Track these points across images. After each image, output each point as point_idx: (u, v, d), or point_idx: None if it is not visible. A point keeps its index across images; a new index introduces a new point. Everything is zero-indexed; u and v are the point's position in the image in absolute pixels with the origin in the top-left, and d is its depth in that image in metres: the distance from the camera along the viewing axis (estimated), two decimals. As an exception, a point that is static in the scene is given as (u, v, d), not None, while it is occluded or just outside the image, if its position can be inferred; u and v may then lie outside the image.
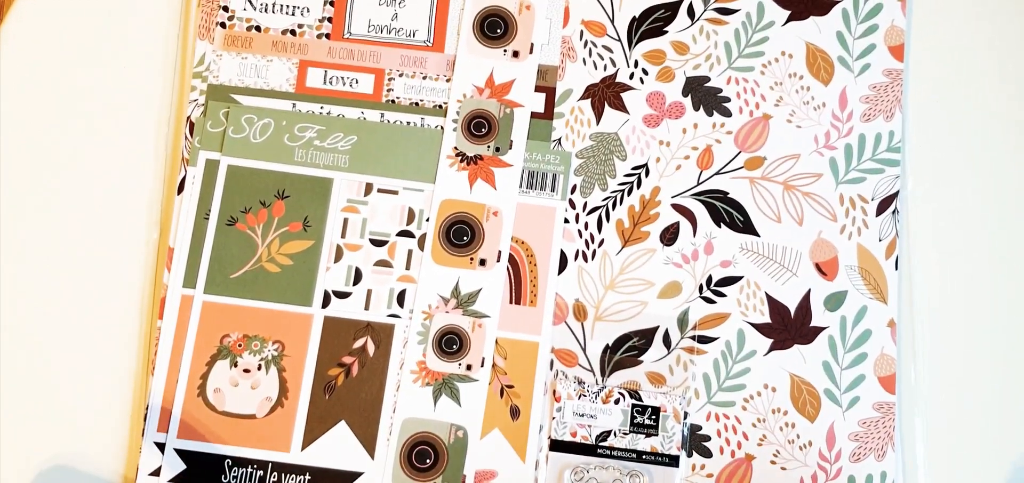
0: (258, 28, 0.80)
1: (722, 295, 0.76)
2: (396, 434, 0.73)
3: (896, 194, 0.77)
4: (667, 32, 0.80)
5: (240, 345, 0.75)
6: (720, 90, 0.79)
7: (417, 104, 0.79)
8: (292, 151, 0.77)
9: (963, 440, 0.75)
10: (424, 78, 0.79)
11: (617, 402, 0.74)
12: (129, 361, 0.75)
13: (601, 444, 0.74)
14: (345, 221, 0.77)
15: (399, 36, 0.80)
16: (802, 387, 0.75)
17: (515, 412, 0.74)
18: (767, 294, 0.76)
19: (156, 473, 0.73)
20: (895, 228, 0.77)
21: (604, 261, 0.76)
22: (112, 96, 0.79)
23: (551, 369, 0.75)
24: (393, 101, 0.79)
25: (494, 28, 0.79)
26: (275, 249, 0.76)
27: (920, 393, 0.75)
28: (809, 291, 0.76)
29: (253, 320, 0.75)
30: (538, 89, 0.79)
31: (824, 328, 0.75)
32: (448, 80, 0.79)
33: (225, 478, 0.73)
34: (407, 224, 0.77)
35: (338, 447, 0.73)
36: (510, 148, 0.78)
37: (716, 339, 0.75)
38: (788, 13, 0.80)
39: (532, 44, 0.79)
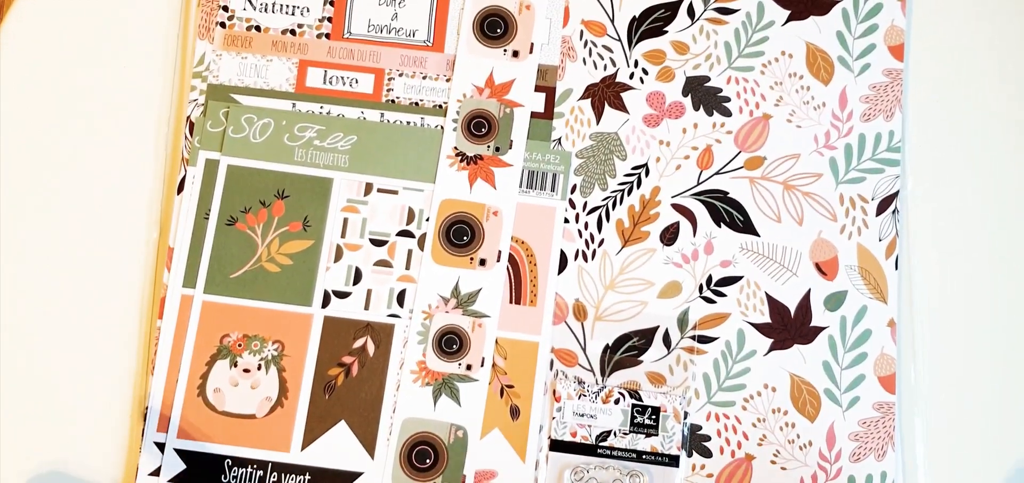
0: (258, 28, 0.80)
1: (722, 295, 0.76)
2: (396, 434, 0.73)
3: (896, 194, 0.77)
4: (667, 32, 0.80)
5: (240, 345, 0.75)
6: (720, 90, 0.79)
7: (417, 104, 0.79)
8: (292, 151, 0.77)
9: (963, 440, 0.75)
10: (424, 78, 0.79)
11: (617, 402, 0.74)
12: (129, 361, 0.75)
13: (601, 444, 0.74)
14: (345, 221, 0.77)
15: (399, 36, 0.80)
16: (802, 387, 0.75)
17: (515, 412, 0.74)
18: (767, 294, 0.76)
19: (156, 473, 0.73)
20: (895, 228, 0.77)
21: (604, 261, 0.76)
22: (112, 96, 0.79)
23: (551, 369, 0.75)
24: (393, 101, 0.79)
25: (494, 28, 0.79)
26: (275, 249, 0.76)
27: (920, 393, 0.75)
28: (809, 291, 0.76)
29: (253, 320, 0.75)
30: (538, 89, 0.79)
31: (824, 328, 0.75)
32: (448, 80, 0.79)
33: (225, 478, 0.73)
34: (407, 224, 0.77)
35: (338, 447, 0.73)
36: (510, 148, 0.78)
37: (716, 339, 0.75)
38: (788, 13, 0.80)
39: (532, 44, 0.79)
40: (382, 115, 0.78)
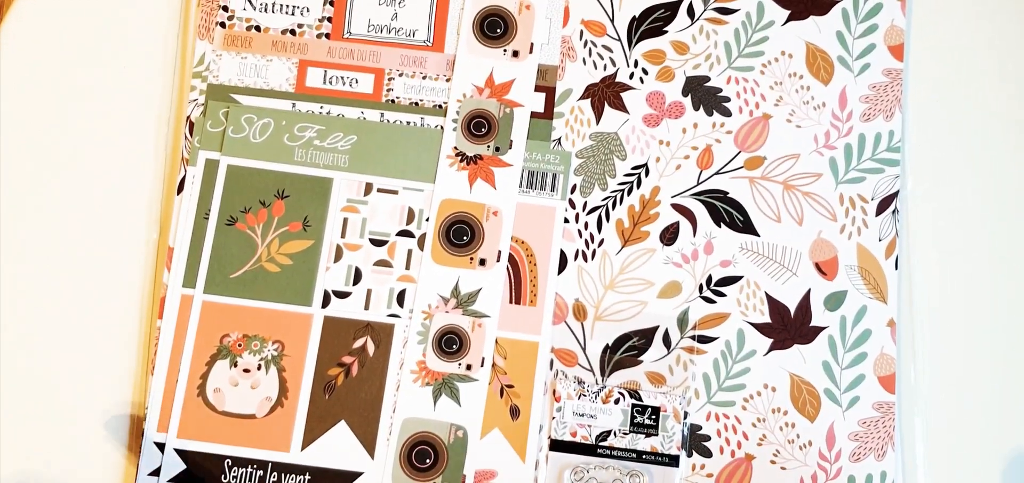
0: (258, 28, 0.80)
1: (722, 295, 0.76)
2: (396, 434, 0.73)
3: (896, 194, 0.77)
4: (667, 32, 0.80)
5: (240, 345, 0.75)
6: (720, 90, 0.79)
7: (417, 104, 0.79)
8: (292, 151, 0.77)
9: (963, 440, 0.75)
10: (424, 78, 0.79)
11: (617, 402, 0.74)
12: (129, 361, 0.75)
13: (601, 444, 0.74)
14: (345, 221, 0.77)
15: (399, 36, 0.80)
16: (802, 387, 0.75)
17: (515, 412, 0.74)
18: (767, 294, 0.76)
19: (156, 473, 0.73)
20: (895, 228, 0.77)
21: (604, 261, 0.76)
22: (112, 96, 0.79)
23: (551, 369, 0.75)
24: (393, 101, 0.79)
25: (494, 28, 0.79)
26: (275, 249, 0.76)
27: (920, 393, 0.75)
28: (809, 291, 0.76)
29: (253, 320, 0.75)
30: (538, 89, 0.79)
31: (824, 328, 0.75)
32: (448, 80, 0.79)
33: (225, 478, 0.73)
34: (407, 224, 0.77)
35: (338, 447, 0.73)
36: (510, 148, 0.78)
37: (716, 339, 0.75)
38: (788, 13, 0.80)
39: (532, 44, 0.79)
40: (382, 115, 0.78)
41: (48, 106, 0.79)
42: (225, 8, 0.80)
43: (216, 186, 0.77)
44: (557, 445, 0.74)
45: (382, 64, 0.79)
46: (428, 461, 0.73)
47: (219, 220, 0.76)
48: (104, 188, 0.77)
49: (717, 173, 0.78)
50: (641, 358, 0.75)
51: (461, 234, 0.76)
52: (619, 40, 0.80)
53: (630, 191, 0.77)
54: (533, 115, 0.78)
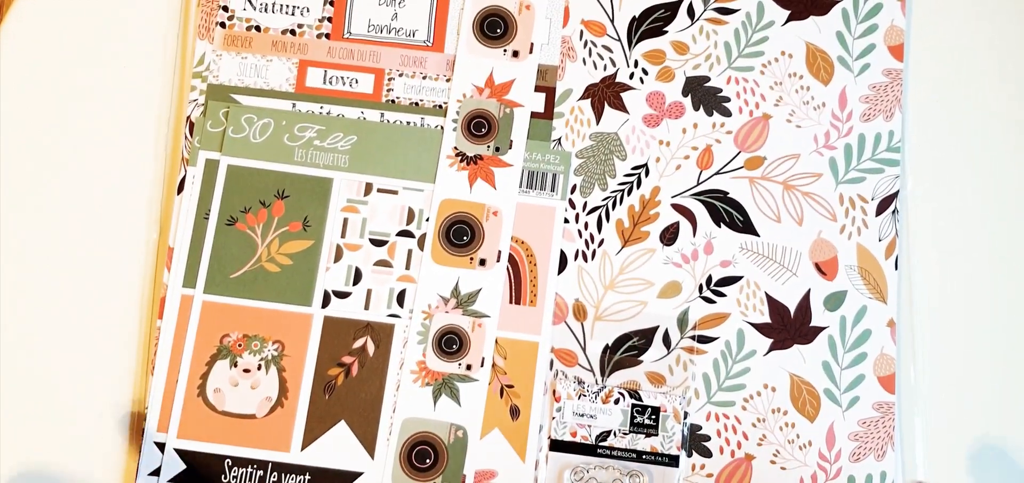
0: (258, 28, 0.80)
1: (722, 295, 0.76)
2: (396, 434, 0.74)
3: (896, 194, 0.77)
4: (667, 32, 0.80)
5: (240, 345, 0.75)
6: (720, 90, 0.79)
7: (417, 104, 0.79)
8: (292, 151, 0.77)
9: (963, 440, 0.75)
10: (424, 78, 0.79)
11: (617, 402, 0.74)
12: (129, 361, 0.75)
13: (601, 444, 0.74)
14: (345, 221, 0.77)
15: (399, 36, 0.80)
16: (802, 387, 0.75)
17: (515, 412, 0.74)
18: (767, 294, 0.76)
19: (156, 473, 0.73)
20: (895, 228, 0.77)
21: (604, 261, 0.76)
22: (112, 96, 0.79)
23: (551, 369, 0.75)
24: (393, 101, 0.79)
25: (494, 28, 0.79)
26: (275, 249, 0.76)
27: (920, 393, 0.75)
28: (809, 291, 0.76)
29: (253, 320, 0.75)
30: (538, 89, 0.79)
31: (824, 328, 0.75)
32: (448, 80, 0.79)
33: (225, 478, 0.73)
34: (407, 224, 0.77)
35: (338, 447, 0.73)
36: (510, 148, 0.78)
37: (716, 339, 0.75)
38: (788, 13, 0.80)
39: (532, 44, 0.79)
40: (382, 115, 0.78)
41: (48, 106, 0.79)
42: (225, 8, 0.80)
43: (216, 186, 0.77)
44: (557, 445, 0.74)
45: (382, 64, 0.79)
46: (428, 461, 0.73)
47: (219, 220, 0.76)
48: (104, 188, 0.77)
49: (717, 173, 0.78)
50: (641, 358, 0.75)
51: (461, 234, 0.76)
52: (619, 40, 0.80)
53: (630, 191, 0.77)
54: (533, 115, 0.78)
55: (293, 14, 0.80)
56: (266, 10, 0.80)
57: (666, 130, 0.78)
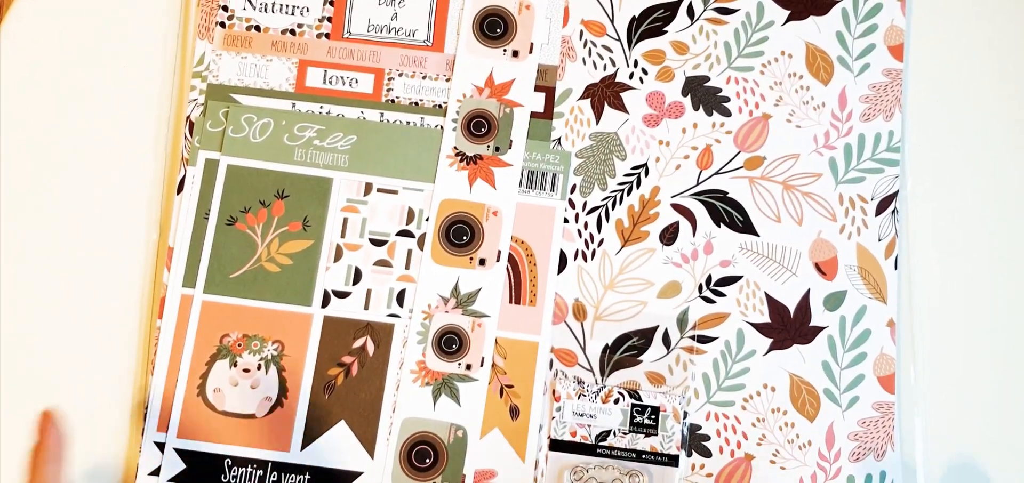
0: (258, 28, 0.80)
1: (722, 295, 0.76)
2: (396, 434, 0.74)
3: (896, 194, 0.77)
4: (667, 32, 0.80)
5: (240, 345, 0.75)
6: (720, 90, 0.79)
7: (417, 104, 0.79)
8: (292, 151, 0.77)
9: (963, 440, 0.75)
10: (424, 78, 0.79)
11: (617, 402, 0.74)
12: (129, 361, 0.75)
13: (601, 444, 0.74)
14: (345, 221, 0.77)
15: (399, 36, 0.80)
16: (801, 387, 0.75)
17: (515, 412, 0.74)
18: (767, 294, 0.76)
19: (156, 473, 0.73)
20: (895, 228, 0.77)
21: (604, 261, 0.76)
22: (112, 96, 0.79)
23: (551, 369, 0.75)
24: (393, 101, 0.79)
25: (494, 28, 0.79)
26: (275, 249, 0.76)
27: (920, 393, 0.75)
28: (809, 291, 0.76)
29: (253, 320, 0.75)
30: (538, 89, 0.79)
31: (823, 328, 0.75)
32: (448, 80, 0.79)
33: (225, 478, 0.73)
34: (407, 224, 0.77)
35: (338, 447, 0.73)
36: (510, 148, 0.78)
37: (715, 339, 0.75)
38: (788, 13, 0.80)
39: (532, 44, 0.79)
40: (382, 115, 0.78)
41: (48, 106, 0.79)
42: (225, 8, 0.80)
43: (216, 186, 0.77)
44: (557, 445, 0.74)
45: (382, 64, 0.79)
46: (428, 461, 0.73)
47: (219, 220, 0.76)
48: (104, 188, 0.77)
49: (717, 173, 0.78)
50: (641, 358, 0.75)
51: (461, 234, 0.76)
52: (619, 40, 0.80)
53: (630, 191, 0.77)
54: (533, 115, 0.78)
55: (293, 14, 0.80)
56: (266, 10, 0.80)
57: (666, 130, 0.78)
